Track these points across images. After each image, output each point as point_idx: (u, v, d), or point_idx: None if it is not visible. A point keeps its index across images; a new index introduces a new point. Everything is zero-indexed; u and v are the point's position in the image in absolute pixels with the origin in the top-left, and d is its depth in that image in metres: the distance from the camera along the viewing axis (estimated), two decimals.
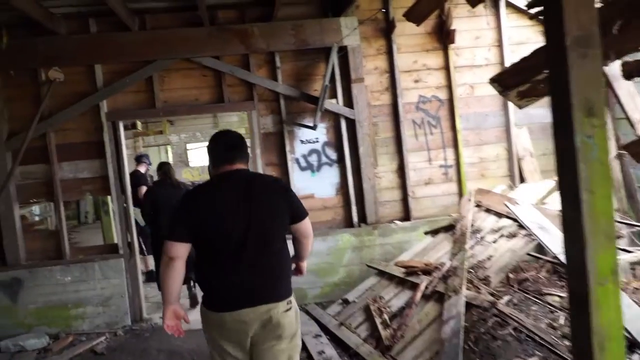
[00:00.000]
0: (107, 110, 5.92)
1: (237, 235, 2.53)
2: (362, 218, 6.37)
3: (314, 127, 6.03)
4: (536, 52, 3.03)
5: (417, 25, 5.12)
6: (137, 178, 7.63)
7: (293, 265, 2.95)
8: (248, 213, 2.54)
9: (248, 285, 2.55)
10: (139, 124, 9.76)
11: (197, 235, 2.57)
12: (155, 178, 7.12)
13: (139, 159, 8.43)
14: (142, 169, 8.19)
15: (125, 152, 6.05)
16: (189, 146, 17.16)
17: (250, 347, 2.62)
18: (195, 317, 2.98)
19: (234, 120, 17.10)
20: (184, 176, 16.48)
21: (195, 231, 2.56)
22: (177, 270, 2.54)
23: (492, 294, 4.37)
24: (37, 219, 10.19)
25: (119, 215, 5.97)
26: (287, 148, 6.23)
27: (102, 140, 5.90)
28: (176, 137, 16.87)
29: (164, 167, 6.36)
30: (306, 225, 2.79)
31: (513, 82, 3.25)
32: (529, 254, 5.49)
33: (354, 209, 6.34)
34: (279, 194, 2.69)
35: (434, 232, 5.90)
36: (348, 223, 6.41)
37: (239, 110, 6.27)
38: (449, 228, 5.73)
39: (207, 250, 2.60)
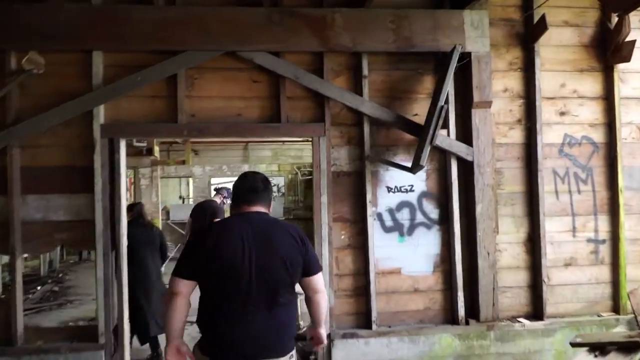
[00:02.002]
0: (103, 121, 3.91)
1: (245, 281, 2.41)
2: (472, 311, 4.19)
3: (413, 169, 3.94)
4: None
5: (619, 16, 3.06)
6: (214, 209, 7.26)
7: (309, 335, 2.75)
8: (259, 259, 2.43)
9: (253, 337, 2.43)
10: (156, 149, 7.71)
11: (202, 275, 2.46)
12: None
13: (219, 190, 7.98)
14: (217, 199, 7.62)
15: (124, 186, 4.00)
16: (213, 180, 15.19)
17: None
18: None
19: (265, 155, 15.15)
20: None
21: (200, 271, 2.45)
22: (179, 307, 2.44)
23: None
24: None
25: (104, 283, 3.86)
26: (368, 197, 4.11)
27: (92, 165, 3.87)
28: (200, 170, 14.92)
29: (135, 207, 5.35)
30: (317, 280, 2.60)
31: None
32: None
33: (459, 297, 4.16)
34: (295, 243, 2.52)
35: (597, 349, 3.67)
36: (449, 317, 4.23)
37: (301, 135, 4.21)
38: (628, 347, 3.51)
39: (212, 293, 2.48)
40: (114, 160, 3.92)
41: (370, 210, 4.12)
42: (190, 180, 16.36)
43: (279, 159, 15.16)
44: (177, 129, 4.00)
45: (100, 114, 3.89)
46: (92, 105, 3.85)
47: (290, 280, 2.51)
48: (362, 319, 4.16)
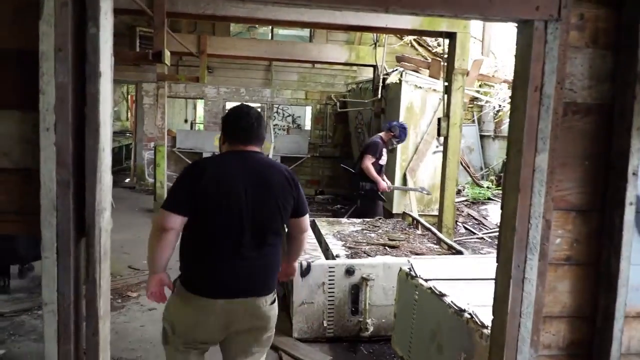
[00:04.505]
0: None
1: (239, 219, 2.45)
2: None
3: None
4: None
5: None
6: (367, 145, 6.98)
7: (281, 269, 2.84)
8: (254, 199, 2.48)
9: (243, 275, 2.49)
10: (167, 54, 5.39)
11: (196, 210, 2.42)
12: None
13: (392, 127, 6.91)
14: (384, 136, 6.92)
15: (109, 103, 1.79)
16: (228, 105, 12.92)
17: (231, 336, 2.57)
18: None
19: (290, 79, 12.82)
20: (215, 144, 12.25)
21: (195, 205, 2.42)
22: (170, 242, 2.42)
23: None
24: None
25: (61, 313, 1.74)
26: (632, 164, 1.92)
27: (34, 50, 1.67)
28: (213, 90, 12.57)
29: None
30: (305, 221, 2.78)
31: None
32: None
33: None
34: (288, 184, 2.60)
35: None
36: None
37: (507, 13, 1.90)
38: None
39: (204, 229, 2.48)
40: (84, 39, 1.69)
41: (630, 190, 1.93)
42: (200, 102, 14.08)
43: (307, 85, 12.86)
44: None
45: None
46: None
47: (281, 221, 2.61)
48: None
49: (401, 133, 6.75)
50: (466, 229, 8.98)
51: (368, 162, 6.68)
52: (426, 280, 3.50)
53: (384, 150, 6.88)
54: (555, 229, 1.97)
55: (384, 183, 6.75)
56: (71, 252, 1.72)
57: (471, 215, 9.82)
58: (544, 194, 1.86)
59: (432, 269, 3.69)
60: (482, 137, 13.00)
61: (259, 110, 2.55)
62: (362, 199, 6.96)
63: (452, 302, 3.12)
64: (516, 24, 1.87)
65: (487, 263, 3.70)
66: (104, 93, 1.73)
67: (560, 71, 1.81)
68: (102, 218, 1.76)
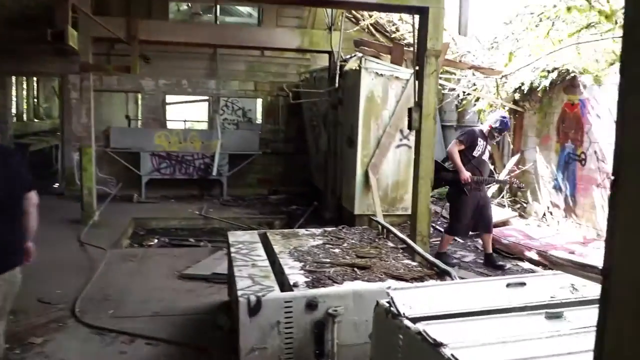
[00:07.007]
0: None
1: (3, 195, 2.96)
2: None
3: None
4: None
5: None
6: (462, 132, 6.83)
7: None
8: (4, 179, 2.98)
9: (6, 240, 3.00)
10: (72, 33, 4.17)
11: None
12: None
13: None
14: (485, 129, 6.55)
15: None
16: (168, 98, 11.67)
17: None
18: None
19: (237, 69, 11.71)
20: (157, 142, 11.00)
21: None
22: None
23: None
24: None
25: None
26: None
27: None
28: (151, 83, 11.30)
29: None
30: (34, 195, 3.20)
31: None
32: None
33: None
34: (21, 164, 3.23)
35: None
36: None
37: None
38: None
39: None
40: None
41: None
42: (139, 96, 12.77)
43: (257, 75, 11.77)
44: None
45: None
46: None
47: (22, 197, 3.11)
48: None
49: (499, 122, 6.27)
50: (435, 229, 8.16)
51: (454, 148, 6.15)
52: (414, 321, 2.55)
53: (481, 141, 6.31)
54: None
55: (465, 173, 6.07)
56: None
57: (438, 213, 9.03)
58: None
59: (418, 301, 2.74)
60: (443, 127, 12.27)
61: None
62: (447, 193, 6.70)
63: (453, 355, 2.20)
64: None
65: (485, 289, 2.84)
66: None
67: None
68: None
